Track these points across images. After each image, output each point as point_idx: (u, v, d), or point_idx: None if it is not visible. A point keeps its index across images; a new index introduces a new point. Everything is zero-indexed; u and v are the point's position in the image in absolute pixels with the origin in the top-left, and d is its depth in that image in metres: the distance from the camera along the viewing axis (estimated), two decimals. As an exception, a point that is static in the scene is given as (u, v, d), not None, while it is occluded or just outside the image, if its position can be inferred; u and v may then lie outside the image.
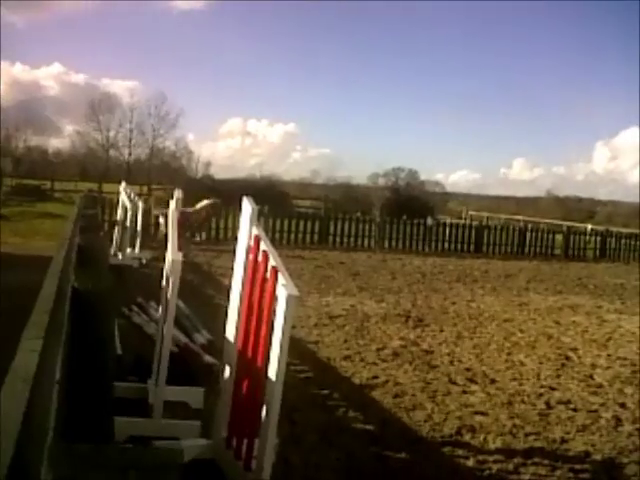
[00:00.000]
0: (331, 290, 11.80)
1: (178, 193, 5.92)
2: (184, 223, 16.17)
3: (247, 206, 4.05)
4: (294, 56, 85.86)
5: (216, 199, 18.14)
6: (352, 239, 20.76)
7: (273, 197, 29.27)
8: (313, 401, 5.64)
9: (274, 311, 3.50)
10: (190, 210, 16.92)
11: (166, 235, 14.63)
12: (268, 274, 3.67)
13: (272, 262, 3.67)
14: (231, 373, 4.01)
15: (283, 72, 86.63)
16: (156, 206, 17.64)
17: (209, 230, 18.82)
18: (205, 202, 17.71)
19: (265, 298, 3.67)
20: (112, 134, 54.85)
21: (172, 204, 5.73)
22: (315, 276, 13.50)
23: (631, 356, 8.47)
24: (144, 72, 72.81)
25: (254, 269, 3.88)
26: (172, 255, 4.55)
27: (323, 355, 7.25)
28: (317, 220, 20.91)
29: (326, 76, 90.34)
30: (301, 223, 20.28)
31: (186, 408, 4.86)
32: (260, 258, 3.81)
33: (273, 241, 17.50)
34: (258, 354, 3.67)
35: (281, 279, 3.53)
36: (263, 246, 3.81)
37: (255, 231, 3.95)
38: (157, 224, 16.70)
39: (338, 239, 20.61)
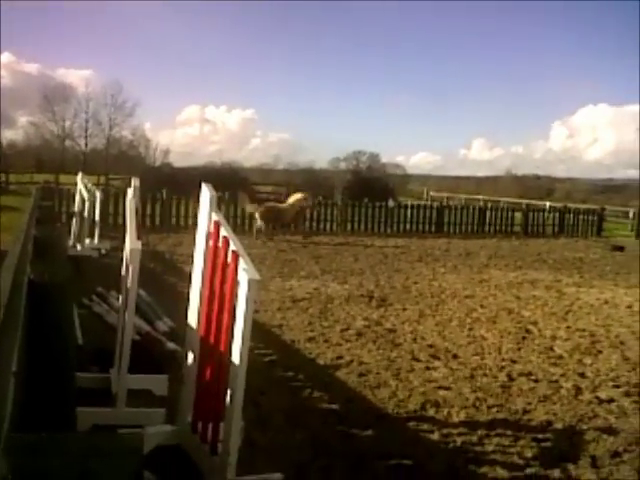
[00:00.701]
0: (294, 274, 11.81)
1: (135, 181, 5.85)
2: (280, 218, 17.65)
3: (206, 192, 4.02)
4: (250, 42, 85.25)
5: (306, 193, 19.08)
6: (314, 223, 20.77)
7: (234, 184, 29.11)
8: (278, 383, 5.65)
9: (236, 296, 3.49)
10: (283, 206, 18.24)
11: (259, 228, 15.30)
12: (229, 259, 3.64)
13: (233, 247, 3.65)
14: (194, 359, 4.00)
15: (240, 58, 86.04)
16: (250, 203, 18.55)
17: (169, 218, 18.67)
18: (298, 196, 18.54)
19: (226, 283, 3.65)
20: (68, 124, 53.99)
21: (129, 193, 5.66)
22: (278, 260, 13.49)
23: (590, 327, 8.66)
24: (99, 61, 71.81)
25: (215, 255, 3.85)
26: (131, 244, 4.50)
27: (287, 338, 7.26)
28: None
29: (284, 61, 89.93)
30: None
31: (150, 396, 4.84)
32: (220, 244, 3.78)
33: (235, 227, 17.56)
34: (221, 339, 3.66)
35: (242, 264, 3.52)
36: (223, 232, 3.79)
37: (215, 217, 3.92)
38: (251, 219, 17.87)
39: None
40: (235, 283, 3.53)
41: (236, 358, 3.46)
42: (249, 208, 18.39)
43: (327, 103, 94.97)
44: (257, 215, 17.68)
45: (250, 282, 3.41)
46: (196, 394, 3.94)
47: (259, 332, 6.98)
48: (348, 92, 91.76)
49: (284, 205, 18.45)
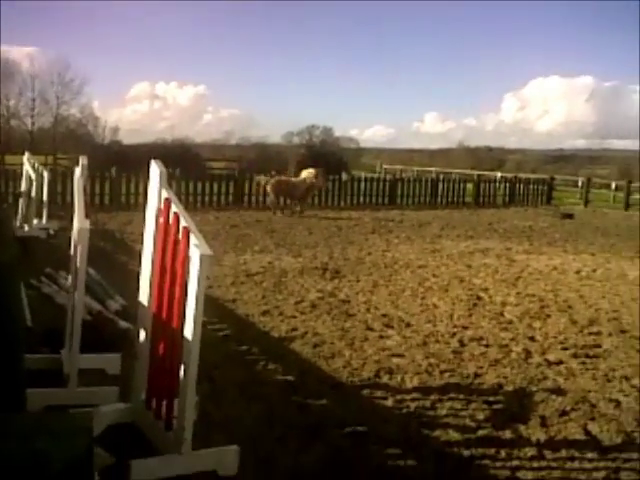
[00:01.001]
0: (248, 248, 11.77)
1: (83, 160, 5.73)
2: (291, 192, 18.06)
3: (155, 169, 3.96)
4: (200, 15, 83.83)
5: (319, 168, 19.42)
6: (267, 198, 20.66)
7: (185, 160, 28.80)
8: (232, 358, 5.65)
9: (188, 272, 3.46)
10: (295, 180, 18.63)
11: (272, 202, 15.99)
12: (180, 236, 3.61)
13: (183, 223, 3.62)
14: (147, 336, 3.97)
15: (189, 32, 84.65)
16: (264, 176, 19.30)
17: (119, 196, 18.38)
18: (310, 171, 18.80)
19: (178, 259, 3.63)
20: (12, 103, 52.28)
21: (77, 171, 5.54)
22: (231, 236, 13.42)
23: (539, 292, 8.85)
24: (44, 37, 69.74)
25: (165, 232, 3.81)
26: (79, 223, 4.42)
27: (241, 312, 7.25)
28: (232, 181, 20.68)
29: (234, 35, 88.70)
30: (215, 185, 20.02)
31: (104, 375, 4.79)
32: (171, 220, 3.75)
33: (187, 204, 17.46)
34: (173, 315, 3.64)
35: (193, 239, 3.49)
36: (174, 208, 3.75)
37: (165, 194, 3.87)
38: (265, 192, 18.20)
39: (254, 199, 20.48)
40: (187, 259, 3.51)
41: (189, 334, 3.45)
42: (261, 180, 18.92)
43: (279, 78, 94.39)
44: (268, 188, 18.07)
45: (202, 257, 3.39)
46: (149, 371, 3.92)
47: (213, 307, 6.95)
48: (300, 66, 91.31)
49: (296, 180, 18.78)
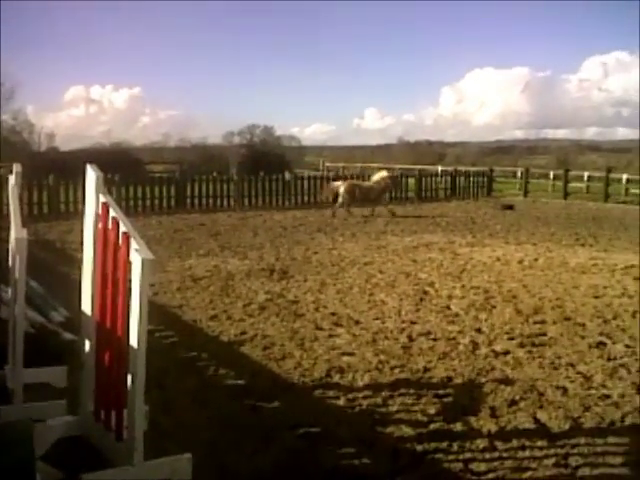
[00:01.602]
0: (192, 252, 11.63)
1: (17, 167, 5.55)
2: (366, 194, 18.48)
3: (91, 174, 3.86)
4: (133, 15, 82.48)
5: (389, 170, 20.71)
6: (211, 200, 20.51)
7: (124, 164, 28.31)
8: (181, 364, 5.57)
9: (130, 278, 3.39)
10: (367, 184, 19.19)
11: (343, 202, 16.78)
12: (120, 241, 3.53)
13: (123, 228, 3.53)
14: (92, 346, 3.87)
15: (123, 34, 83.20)
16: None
17: (58, 205, 17.94)
18: (382, 173, 19.55)
19: (119, 265, 3.54)
20: (-63, 111, 50.47)
21: (11, 180, 5.37)
22: (175, 240, 13.25)
23: (483, 284, 8.99)
24: (-31, 42, 67.49)
25: (105, 237, 3.72)
26: (16, 233, 4.29)
27: (189, 318, 7.16)
28: (173, 184, 20.41)
29: (169, 36, 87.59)
30: (156, 188, 19.73)
31: (50, 389, 4.66)
32: (110, 225, 3.66)
33: (128, 209, 17.15)
34: (117, 323, 3.56)
35: (134, 244, 3.41)
36: (112, 213, 3.66)
37: (102, 198, 3.77)
38: (336, 194, 18.38)
39: (196, 201, 20.29)
40: (128, 265, 3.43)
41: (134, 342, 3.37)
42: (334, 185, 19.09)
43: (217, 78, 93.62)
44: (341, 189, 18.29)
45: (143, 262, 3.32)
46: (96, 382, 3.83)
47: (159, 314, 6.85)
48: (238, 65, 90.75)
49: (368, 183, 19.36)
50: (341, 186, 18.51)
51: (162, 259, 10.47)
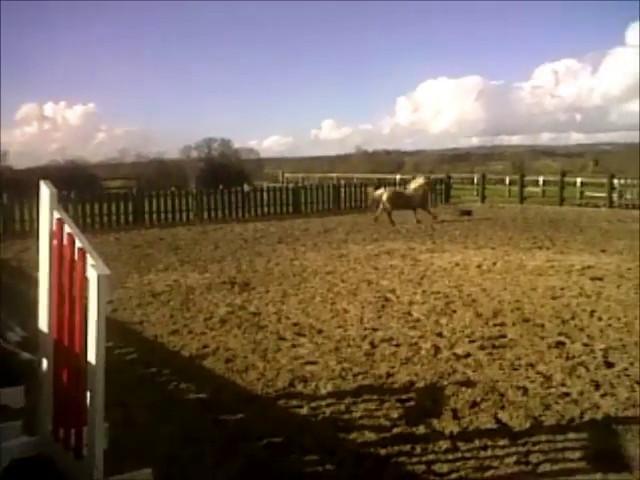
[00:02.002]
0: (152, 267, 11.52)
1: None
2: (408, 202, 19.09)
3: (45, 190, 3.82)
4: (84, 31, 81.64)
5: (427, 176, 21.40)
6: (170, 215, 20.37)
7: (80, 181, 27.97)
8: (142, 380, 5.50)
9: (87, 294, 3.35)
10: (408, 192, 19.63)
11: (385, 210, 17.45)
12: (76, 257, 3.49)
13: (78, 244, 3.49)
14: (49, 365, 3.81)
15: (75, 49, 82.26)
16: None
17: (12, 224, 17.62)
18: (419, 180, 20.01)
19: (75, 282, 3.50)
20: None
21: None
22: (133, 256, 13.10)
23: (443, 290, 9.08)
24: None
25: (60, 254, 3.68)
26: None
27: (149, 334, 7.08)
28: (130, 200, 20.22)
29: (122, 51, 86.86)
30: (113, 205, 19.52)
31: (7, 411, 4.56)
32: (65, 242, 3.61)
33: (85, 226, 16.90)
34: (75, 341, 3.52)
35: (90, 260, 3.38)
36: (67, 229, 3.62)
37: (57, 214, 3.73)
38: (377, 203, 19.04)
39: (155, 216, 20.14)
40: (85, 281, 3.39)
41: (92, 359, 3.33)
42: (376, 193, 19.66)
43: (173, 92, 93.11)
44: (384, 198, 18.83)
45: (100, 278, 3.28)
46: (55, 401, 3.77)
47: (119, 330, 6.77)
48: (193, 80, 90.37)
49: (409, 191, 19.79)
50: (384, 194, 19.17)
51: (120, 275, 10.35)
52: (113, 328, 5.89)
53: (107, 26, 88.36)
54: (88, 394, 3.41)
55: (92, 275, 3.33)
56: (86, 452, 3.46)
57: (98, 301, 3.29)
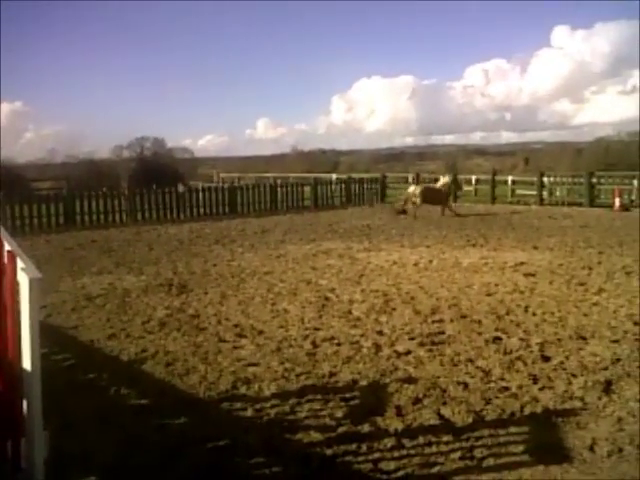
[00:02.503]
0: (85, 270, 11.23)
1: None
2: (438, 197, 20.67)
3: (-29, 192, 3.67)
4: (14, 27, 79.09)
5: (450, 175, 22.47)
6: (102, 216, 19.94)
7: (8, 182, 27.09)
8: (81, 386, 5.35)
9: (18, 299, 3.23)
10: (437, 188, 21.15)
11: (416, 207, 19.05)
12: (5, 260, 3.37)
13: (7, 247, 3.38)
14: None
15: (2, 46, 79.58)
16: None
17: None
18: (446, 179, 21.42)
19: (5, 287, 3.38)
20: None
21: None
22: (66, 259, 12.76)
23: (382, 288, 9.16)
24: None
25: (-12, 258, 3.54)
26: None
27: (85, 338, 6.89)
28: (60, 201, 19.69)
29: (50, 47, 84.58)
30: (43, 206, 18.98)
31: None
32: (-7, 245, 3.49)
33: (14, 229, 16.33)
34: (8, 347, 3.39)
35: (20, 263, 3.26)
36: (-6, 232, 3.49)
37: (-17, 217, 3.59)
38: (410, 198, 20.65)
39: (87, 218, 19.67)
40: (15, 285, 3.27)
41: (27, 366, 3.22)
42: (410, 189, 21.51)
43: (103, 90, 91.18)
44: (417, 192, 20.56)
45: (31, 282, 3.17)
46: (-12, 411, 3.62)
47: (54, 336, 6.58)
48: (124, 78, 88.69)
49: (438, 187, 21.29)
50: (416, 189, 21.03)
51: (53, 279, 10.06)
52: (48, 333, 5.70)
53: (36, 22, 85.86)
54: (24, 402, 3.30)
55: (23, 279, 3.22)
56: (25, 463, 3.35)
57: (30, 306, 3.19)
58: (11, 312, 3.34)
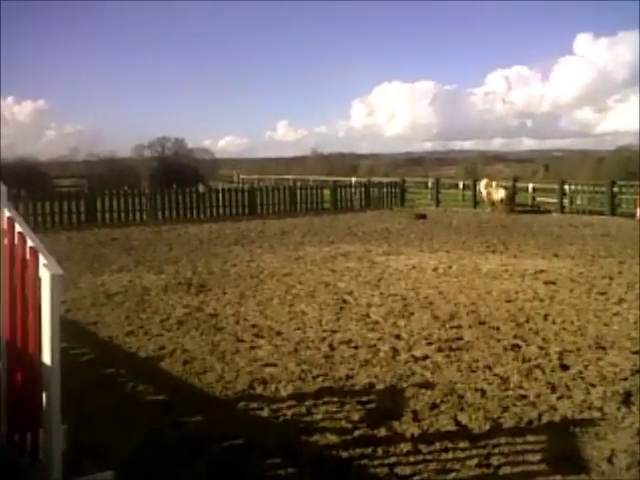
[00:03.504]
0: (106, 268, 11.32)
1: None
2: (510, 200, 23.62)
3: (-6, 188, 3.72)
4: (36, 23, 79.91)
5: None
6: (122, 214, 20.09)
7: (31, 179, 27.37)
8: (99, 382, 5.38)
9: (40, 294, 3.26)
10: (512, 192, 23.98)
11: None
12: (27, 256, 3.40)
13: (30, 243, 3.41)
14: (2, 366, 3.71)
15: (26, 45, 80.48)
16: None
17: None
18: (507, 184, 24.55)
19: (27, 282, 3.41)
20: None
21: None
22: (87, 256, 12.87)
23: (401, 292, 9.13)
24: None
25: (11, 254, 3.59)
26: None
27: (104, 335, 6.95)
28: (82, 198, 19.87)
29: (73, 47, 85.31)
30: (65, 203, 19.16)
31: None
32: (16, 241, 3.52)
33: (36, 225, 16.52)
34: (29, 341, 3.43)
35: (42, 259, 3.29)
36: (18, 228, 3.53)
37: (7, 213, 3.64)
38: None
39: (107, 215, 19.84)
40: (37, 280, 3.30)
41: (47, 360, 3.25)
42: (500, 193, 23.76)
43: (125, 90, 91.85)
44: (504, 197, 23.42)
45: (53, 278, 3.20)
46: (9, 403, 3.67)
47: (74, 331, 6.63)
48: (147, 76, 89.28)
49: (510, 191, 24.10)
50: (504, 193, 23.55)
51: (73, 275, 10.14)
52: (67, 328, 5.75)
53: (60, 22, 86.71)
54: (44, 395, 3.33)
55: (45, 275, 3.25)
56: (43, 456, 3.37)
57: (52, 301, 3.21)
58: (33, 308, 3.37)
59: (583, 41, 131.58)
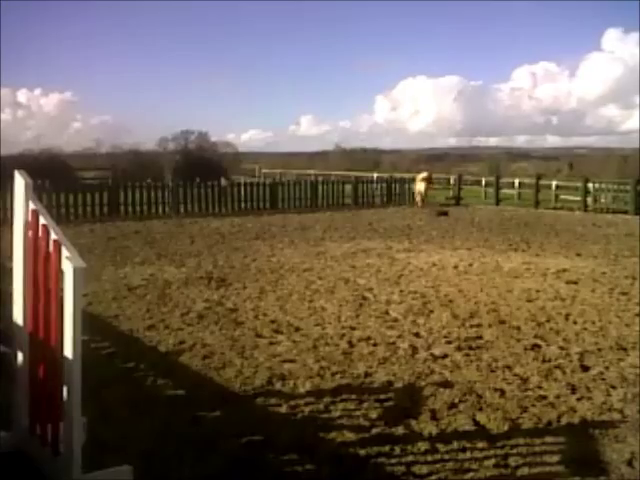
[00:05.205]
0: (127, 261, 11.41)
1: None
2: None
3: (20, 180, 3.77)
4: (63, 18, 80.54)
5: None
6: (145, 207, 20.21)
7: (55, 170, 27.62)
8: (119, 375, 5.43)
9: (62, 287, 3.30)
10: None
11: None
12: (51, 249, 3.43)
13: (54, 236, 3.45)
14: (25, 358, 3.76)
15: (52, 37, 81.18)
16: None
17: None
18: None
19: (50, 274, 3.45)
20: None
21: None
22: (109, 248, 12.97)
23: (421, 289, 9.10)
24: None
25: (35, 246, 3.63)
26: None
27: (125, 328, 7.01)
28: (105, 190, 20.03)
29: (100, 40, 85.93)
30: (88, 195, 19.31)
31: None
32: (40, 233, 3.56)
33: (59, 217, 16.67)
34: (51, 334, 3.47)
35: (65, 252, 3.33)
36: (42, 220, 3.57)
37: (32, 206, 3.68)
38: None
39: (130, 208, 19.96)
40: (60, 273, 3.34)
41: (69, 353, 3.28)
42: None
43: (150, 84, 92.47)
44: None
45: (75, 270, 3.24)
46: (31, 395, 3.72)
47: (94, 324, 6.68)
48: (171, 70, 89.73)
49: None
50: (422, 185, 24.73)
51: (96, 268, 10.23)
52: (88, 321, 5.80)
53: (87, 16, 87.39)
54: (65, 388, 3.37)
55: (67, 267, 3.28)
56: (64, 448, 3.41)
57: (74, 294, 3.25)
58: (55, 300, 3.41)
59: (612, 36, 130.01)
